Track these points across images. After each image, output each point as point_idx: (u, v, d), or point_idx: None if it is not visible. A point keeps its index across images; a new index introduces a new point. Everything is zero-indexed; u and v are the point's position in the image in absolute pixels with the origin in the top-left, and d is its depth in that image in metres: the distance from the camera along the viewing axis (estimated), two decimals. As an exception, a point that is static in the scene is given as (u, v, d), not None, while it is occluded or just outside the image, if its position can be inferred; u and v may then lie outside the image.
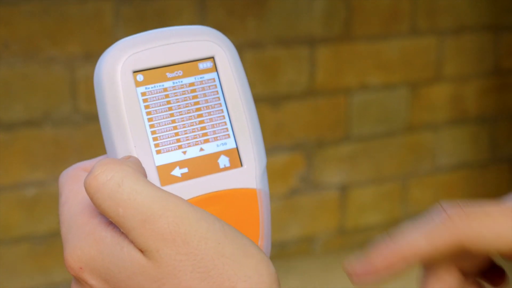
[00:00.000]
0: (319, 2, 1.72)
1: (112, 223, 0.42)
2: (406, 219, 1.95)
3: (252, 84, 1.68)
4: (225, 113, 0.46)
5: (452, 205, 0.43)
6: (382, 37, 1.80)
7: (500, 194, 2.02)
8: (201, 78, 0.46)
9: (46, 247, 1.59)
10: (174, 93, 0.45)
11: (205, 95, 0.46)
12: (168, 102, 0.45)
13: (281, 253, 1.82)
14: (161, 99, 0.45)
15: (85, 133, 1.56)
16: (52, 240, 1.58)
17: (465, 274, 0.47)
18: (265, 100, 1.71)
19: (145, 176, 0.42)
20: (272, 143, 1.74)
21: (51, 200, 1.56)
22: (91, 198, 0.41)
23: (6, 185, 1.54)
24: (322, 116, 1.78)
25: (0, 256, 1.56)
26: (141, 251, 0.40)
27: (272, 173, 1.74)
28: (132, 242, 0.40)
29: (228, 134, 0.46)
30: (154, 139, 0.44)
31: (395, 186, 1.91)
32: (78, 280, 0.42)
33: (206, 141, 0.46)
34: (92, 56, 1.54)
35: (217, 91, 0.46)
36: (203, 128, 0.46)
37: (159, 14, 1.57)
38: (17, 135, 1.52)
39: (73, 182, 0.46)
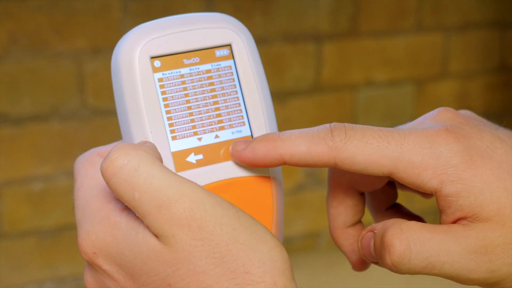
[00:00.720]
0: (326, -2, 1.72)
1: (127, 209, 0.42)
2: (411, 215, 1.95)
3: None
4: (241, 101, 0.47)
5: (339, 124, 0.43)
6: (388, 33, 1.81)
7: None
8: (217, 65, 0.46)
9: (53, 241, 1.59)
10: (191, 79, 0.46)
11: (221, 82, 0.46)
12: (185, 89, 0.46)
13: (287, 248, 1.81)
14: (177, 85, 0.45)
15: (92, 127, 1.56)
16: (59, 234, 1.59)
17: (369, 194, 0.50)
18: (272, 96, 1.71)
19: (161, 161, 0.43)
20: (278, 138, 1.74)
21: (58, 195, 1.57)
22: (107, 183, 0.41)
23: (14, 179, 1.54)
24: (328, 112, 1.79)
25: (7, 250, 1.57)
26: (156, 236, 0.40)
27: (278, 169, 1.74)
28: (147, 227, 0.40)
29: (244, 122, 0.47)
30: (170, 125, 0.45)
31: (400, 182, 1.92)
32: (92, 265, 0.43)
33: (222, 128, 0.46)
34: (100, 51, 1.54)
35: (233, 79, 0.47)
36: (218, 115, 0.46)
37: (166, 8, 1.57)
38: (25, 130, 1.52)
39: (89, 167, 0.46)
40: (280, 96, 1.72)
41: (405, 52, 1.83)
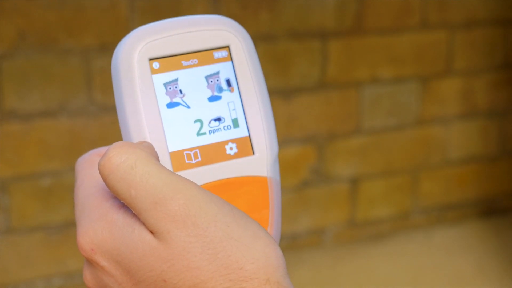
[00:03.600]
0: (331, -4, 1.73)
1: (124, 206, 0.43)
2: (416, 212, 1.96)
3: (264, 77, 1.69)
4: (239, 102, 0.47)
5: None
6: (393, 30, 1.81)
7: (509, 188, 2.03)
8: (216, 67, 0.47)
9: (60, 236, 1.60)
10: (189, 81, 0.46)
11: (219, 83, 0.47)
12: (183, 90, 0.46)
13: (292, 244, 1.82)
14: (175, 86, 0.46)
15: (100, 124, 1.57)
16: (66, 229, 1.59)
17: None
18: (277, 93, 1.71)
19: (158, 160, 0.43)
20: (284, 135, 1.75)
21: (66, 190, 1.57)
22: (105, 180, 0.42)
23: (22, 175, 1.55)
24: (334, 109, 1.79)
25: (15, 245, 1.57)
26: (152, 232, 0.41)
27: (284, 165, 1.74)
28: (143, 223, 0.41)
29: (241, 123, 0.47)
30: (168, 125, 0.45)
31: (405, 179, 1.92)
32: (90, 261, 0.43)
33: (219, 128, 0.47)
34: (108, 47, 1.55)
35: (231, 80, 0.47)
36: (216, 116, 0.47)
37: (174, 6, 1.58)
38: (33, 126, 1.53)
39: (88, 166, 0.47)
40: (286, 93, 1.73)
41: (410, 50, 1.84)
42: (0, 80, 1.49)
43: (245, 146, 0.47)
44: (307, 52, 1.73)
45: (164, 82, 0.46)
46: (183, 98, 0.46)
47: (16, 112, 1.51)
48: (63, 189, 1.57)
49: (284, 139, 1.75)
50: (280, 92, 1.72)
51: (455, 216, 2.00)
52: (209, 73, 0.47)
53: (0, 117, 1.50)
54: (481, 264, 1.79)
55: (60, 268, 1.61)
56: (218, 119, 0.46)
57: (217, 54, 0.47)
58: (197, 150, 0.46)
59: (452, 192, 1.99)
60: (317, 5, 1.71)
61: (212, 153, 0.46)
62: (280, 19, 1.69)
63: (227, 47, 0.47)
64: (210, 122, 0.46)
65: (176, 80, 0.46)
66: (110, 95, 1.55)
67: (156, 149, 0.44)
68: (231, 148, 0.46)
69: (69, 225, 1.59)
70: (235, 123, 0.47)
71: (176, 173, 0.44)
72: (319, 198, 1.83)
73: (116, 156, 0.41)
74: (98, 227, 0.42)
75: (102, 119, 1.56)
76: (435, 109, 1.90)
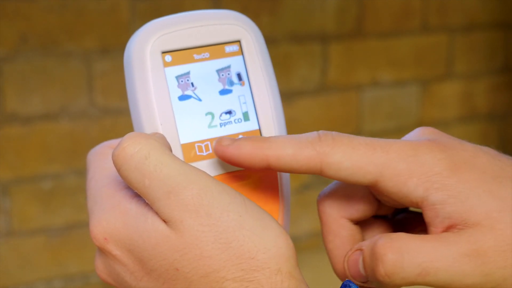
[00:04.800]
0: (332, -1, 1.73)
1: (137, 196, 0.43)
2: (416, 215, 1.96)
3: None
4: (249, 96, 0.48)
5: (327, 131, 0.43)
6: (393, 34, 1.82)
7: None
8: (227, 60, 0.47)
9: (62, 239, 1.60)
10: (201, 74, 0.47)
11: (230, 77, 0.47)
12: (194, 83, 0.46)
13: (293, 248, 1.83)
14: (187, 79, 0.46)
15: (101, 126, 1.57)
16: (68, 232, 1.59)
17: (363, 221, 0.48)
18: (278, 96, 1.72)
19: (171, 151, 0.44)
20: (285, 138, 1.75)
21: (67, 193, 1.57)
22: (118, 170, 0.42)
23: (23, 178, 1.55)
24: (334, 112, 1.79)
25: (17, 248, 1.57)
26: (165, 221, 0.41)
27: (285, 168, 1.75)
28: (156, 213, 0.41)
29: (252, 116, 0.48)
30: (179, 117, 0.46)
31: (405, 182, 1.92)
32: (103, 251, 0.44)
33: (230, 121, 0.47)
34: (109, 50, 1.55)
35: (242, 74, 0.48)
36: (227, 109, 0.47)
37: (175, 9, 1.58)
38: (34, 128, 1.53)
39: (100, 158, 0.47)
40: (287, 96, 1.73)
41: (410, 53, 1.84)
42: (1, 83, 1.49)
43: None
44: (307, 55, 1.73)
45: (176, 75, 0.46)
46: (195, 91, 0.46)
47: (17, 114, 1.51)
48: (64, 192, 1.57)
49: (284, 142, 1.75)
50: (281, 95, 1.72)
51: (455, 219, 2.01)
52: (220, 66, 0.47)
53: (1, 120, 1.50)
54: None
55: (61, 270, 1.61)
56: (229, 112, 0.47)
57: (228, 48, 0.47)
58: (208, 143, 0.46)
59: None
60: (317, 8, 1.72)
61: None
62: (281, 22, 1.69)
63: (238, 41, 0.48)
64: (221, 115, 0.47)
65: (188, 73, 0.46)
66: (111, 98, 1.55)
67: (168, 141, 0.44)
68: None
69: (70, 228, 1.59)
70: (246, 116, 0.47)
71: None
72: (320, 201, 1.83)
73: (130, 146, 0.41)
74: (111, 217, 0.43)
75: (103, 122, 1.57)
76: (435, 112, 1.90)
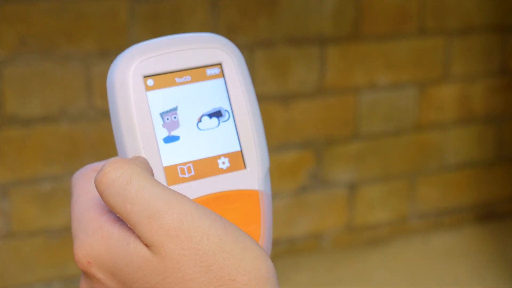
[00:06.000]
0: (329, 2, 1.73)
1: (120, 220, 0.44)
2: (413, 217, 1.97)
3: (263, 82, 1.70)
4: (231, 118, 0.48)
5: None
6: (390, 37, 1.82)
7: (506, 193, 2.04)
8: (208, 83, 0.48)
9: (60, 241, 1.60)
10: (182, 97, 0.47)
11: (211, 99, 0.48)
12: (176, 106, 0.47)
13: (290, 249, 1.83)
14: (169, 103, 0.47)
15: (100, 129, 1.57)
16: (66, 234, 1.60)
17: None
18: (276, 98, 1.72)
19: (153, 175, 0.44)
20: (282, 140, 1.75)
21: (66, 195, 1.58)
22: (101, 195, 0.43)
23: (22, 180, 1.55)
24: (332, 115, 1.80)
25: (16, 249, 1.58)
26: (147, 246, 0.42)
27: (282, 170, 1.75)
28: (138, 237, 0.42)
29: (233, 138, 0.48)
30: (162, 141, 0.47)
31: (403, 184, 1.93)
32: (87, 274, 0.44)
33: (212, 143, 0.48)
34: (107, 53, 1.56)
35: (223, 96, 0.48)
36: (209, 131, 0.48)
37: (173, 12, 1.59)
38: (34, 131, 1.54)
39: (84, 181, 0.48)
40: (284, 98, 1.74)
41: (408, 56, 1.85)
42: (1, 85, 1.49)
43: (237, 161, 0.48)
44: (305, 57, 1.74)
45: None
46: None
47: (17, 117, 1.52)
48: (63, 194, 1.58)
49: (282, 145, 1.75)
50: (278, 97, 1.72)
51: (452, 221, 2.01)
52: (203, 92, 0.48)
53: (0, 122, 1.51)
54: (478, 269, 1.80)
55: (59, 272, 1.62)
56: None
57: (209, 71, 0.48)
58: (191, 165, 0.47)
59: (449, 197, 2.00)
60: (315, 11, 1.72)
61: (205, 167, 0.47)
62: (279, 25, 1.69)
63: (220, 64, 0.48)
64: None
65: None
66: (109, 100, 1.56)
67: (151, 164, 0.45)
68: (223, 163, 0.47)
69: (69, 230, 1.60)
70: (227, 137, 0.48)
71: (170, 187, 0.46)
72: (317, 202, 1.84)
73: (112, 171, 0.42)
74: (94, 241, 0.43)
75: (102, 124, 1.57)
76: (432, 114, 1.91)
